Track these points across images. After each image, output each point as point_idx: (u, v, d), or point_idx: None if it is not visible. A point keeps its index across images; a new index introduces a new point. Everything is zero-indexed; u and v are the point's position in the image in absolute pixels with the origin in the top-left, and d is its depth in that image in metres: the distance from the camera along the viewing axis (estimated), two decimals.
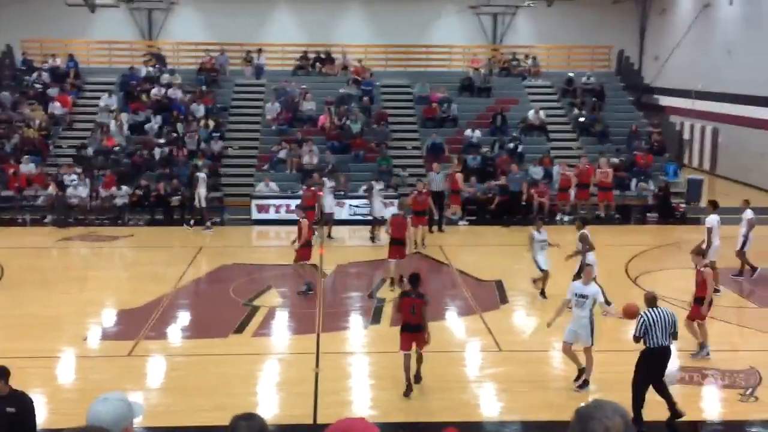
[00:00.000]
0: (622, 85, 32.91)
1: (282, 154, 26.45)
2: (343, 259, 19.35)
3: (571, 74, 31.93)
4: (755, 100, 29.44)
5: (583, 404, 3.09)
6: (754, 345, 13.40)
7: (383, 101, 30.48)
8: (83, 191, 23.88)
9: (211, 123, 27.97)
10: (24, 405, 7.94)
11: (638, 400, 10.13)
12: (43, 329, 14.04)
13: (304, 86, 30.19)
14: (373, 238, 21.09)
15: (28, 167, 25.23)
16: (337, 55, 33.18)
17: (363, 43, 35.16)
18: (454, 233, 22.49)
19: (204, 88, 30.28)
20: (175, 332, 14.30)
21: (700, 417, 10.87)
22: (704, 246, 14.86)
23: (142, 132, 27.73)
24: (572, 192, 24.47)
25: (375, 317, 14.93)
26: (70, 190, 23.86)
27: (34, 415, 8.04)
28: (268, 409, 10.93)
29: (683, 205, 25.02)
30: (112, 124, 27.56)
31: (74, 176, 24.35)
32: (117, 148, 26.54)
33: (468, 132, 28.02)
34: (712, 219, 16.55)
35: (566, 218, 23.97)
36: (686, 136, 33.75)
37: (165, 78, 30.57)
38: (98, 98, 29.50)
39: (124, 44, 35.30)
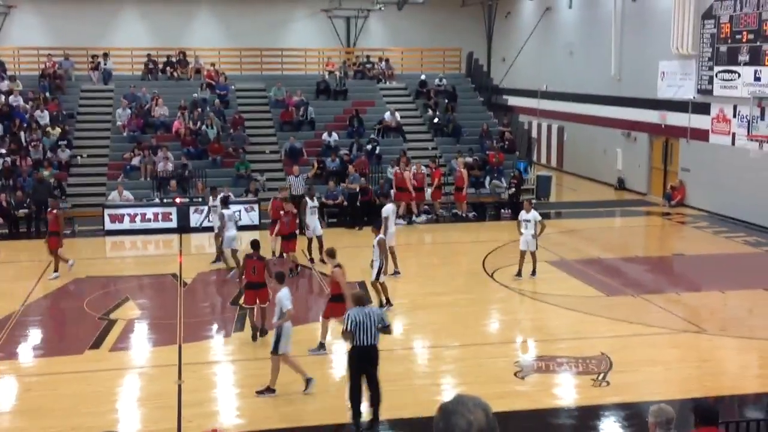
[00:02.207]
0: (473, 86, 33.96)
1: (135, 162, 25.64)
2: (205, 266, 18.96)
3: (423, 76, 32.64)
4: (596, 98, 31.12)
5: (445, 400, 3.17)
6: (603, 332, 14.13)
7: (239, 105, 30.12)
8: None
9: (57, 131, 26.74)
10: None
11: (355, 397, 10.48)
12: None
13: (155, 91, 29.40)
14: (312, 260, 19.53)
15: None
16: (189, 58, 32.49)
17: (215, 47, 34.61)
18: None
19: (47, 94, 28.90)
20: (26, 351, 13.60)
21: (558, 404, 11.35)
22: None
23: None
24: (429, 191, 25.07)
25: (238, 325, 14.72)
26: None
27: None
28: (129, 426, 10.59)
29: (534, 201, 26.08)
30: None
31: None
32: None
33: (325, 135, 28.11)
34: (388, 208, 18.54)
35: (423, 217, 24.56)
36: (534, 134, 35.22)
37: (4, 85, 28.98)
38: None
39: None
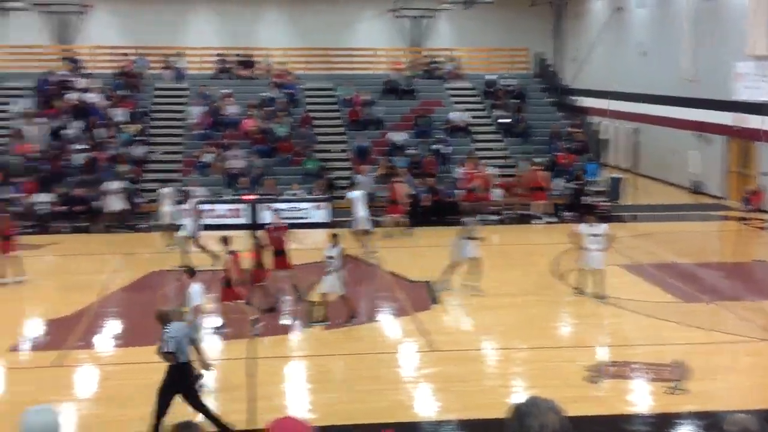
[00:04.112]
0: (542, 86, 33.62)
1: (207, 159, 26.12)
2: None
3: (491, 76, 32.44)
4: (669, 99, 30.47)
5: (519, 401, 3.16)
6: (678, 339, 13.83)
7: (307, 104, 30.40)
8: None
9: (133, 128, 27.42)
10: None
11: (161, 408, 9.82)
12: None
13: (226, 90, 29.88)
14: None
15: None
16: (258, 58, 32.96)
17: (284, 46, 35.02)
18: (380, 235, 22.53)
19: (122, 92, 29.63)
20: (104, 340, 13.98)
21: (631, 411, 11.16)
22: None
23: (60, 138, 26.98)
24: (497, 192, 24.92)
25: (308, 319, 14.86)
26: None
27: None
28: (201, 417, 10.78)
29: (606, 203, 25.67)
30: (28, 130, 26.73)
31: None
32: (34, 155, 25.74)
33: (392, 134, 28.17)
34: (353, 194, 20.29)
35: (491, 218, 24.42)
36: (605, 136, 34.69)
37: (81, 82, 29.81)
38: (13, 104, 28.57)
39: (38, 48, 34.29)
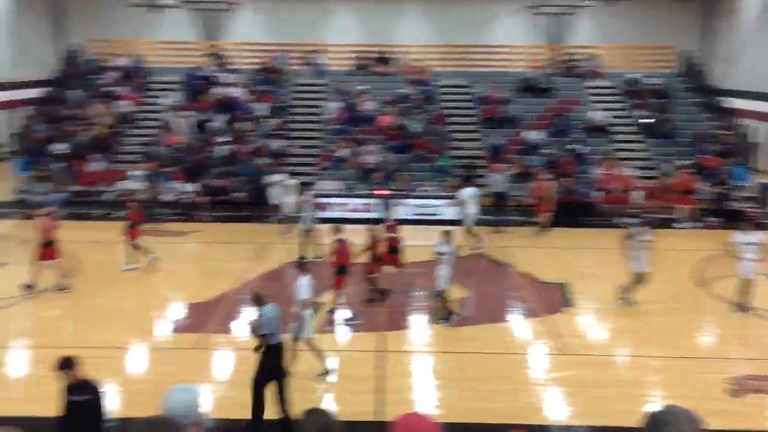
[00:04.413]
0: (686, 86, 32.26)
1: (342, 154, 26.57)
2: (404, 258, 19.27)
3: (635, 75, 31.40)
4: None
5: (656, 409, 3.01)
6: None
7: (442, 101, 30.39)
8: (149, 187, 24.34)
9: (273, 122, 28.27)
10: (94, 393, 8.09)
11: (258, 399, 10.05)
12: (112, 321, 14.32)
13: (362, 86, 30.29)
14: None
15: (96, 164, 25.83)
16: (396, 55, 33.24)
17: (422, 43, 35.15)
18: (516, 235, 22.26)
19: (264, 87, 30.59)
20: (240, 326, 14.44)
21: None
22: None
23: (206, 130, 28.13)
24: (636, 194, 24.09)
25: (440, 316, 14.85)
26: (135, 186, 24.34)
27: (103, 404, 8.19)
28: (332, 405, 10.96)
29: (755, 210, 24.35)
30: (177, 122, 28.02)
31: (140, 173, 24.86)
32: (181, 146, 26.97)
33: (528, 133, 27.76)
34: (465, 192, 20.40)
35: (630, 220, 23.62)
36: (756, 139, 32.86)
37: (226, 78, 30.97)
38: (163, 97, 30.02)
39: (187, 44, 35.89)
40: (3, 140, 34.89)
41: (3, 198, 25.96)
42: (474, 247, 20.19)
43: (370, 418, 10.47)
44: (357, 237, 16.76)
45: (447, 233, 14.66)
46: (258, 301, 10.47)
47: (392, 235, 16.27)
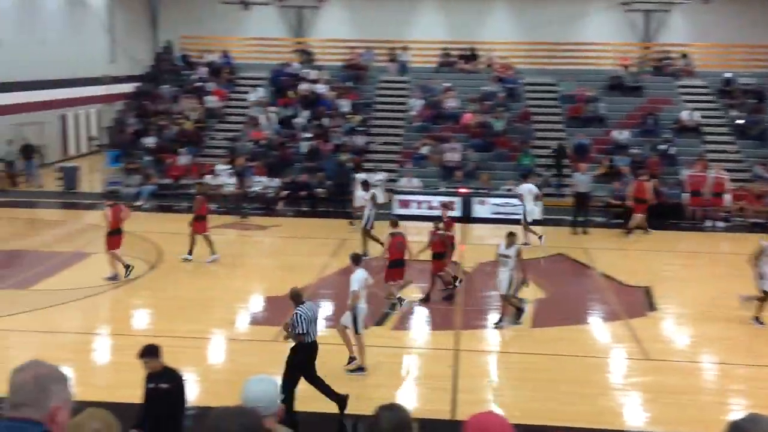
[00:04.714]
0: None
1: (424, 151, 26.55)
2: (484, 257, 19.15)
3: (729, 74, 30.37)
4: None
5: (737, 418, 2.88)
6: None
7: (527, 99, 30.03)
8: (233, 182, 24.84)
9: (356, 118, 28.46)
10: (177, 381, 8.29)
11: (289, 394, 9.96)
12: (195, 312, 14.65)
13: (447, 83, 30.18)
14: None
15: (184, 158, 26.52)
16: (481, 52, 33.02)
17: (508, 40, 34.81)
18: (599, 236, 21.83)
19: (349, 84, 30.81)
20: (318, 321, 14.56)
21: None
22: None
23: (290, 126, 28.53)
24: (727, 197, 23.32)
25: (515, 317, 14.68)
26: (222, 180, 24.89)
27: (184, 392, 8.38)
28: (405, 402, 10.95)
29: None
30: (262, 118, 28.50)
31: (225, 167, 25.39)
32: (265, 141, 27.41)
33: (616, 132, 27.18)
34: (524, 187, 20.50)
35: (719, 224, 22.91)
36: None
37: (312, 74, 31.32)
38: (250, 92, 30.58)
39: (274, 41, 36.46)
40: (96, 133, 36.19)
41: (95, 189, 26.91)
42: (532, 243, 20.09)
43: (445, 417, 10.43)
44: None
45: (511, 235, 14.46)
46: (296, 298, 10.59)
47: (447, 233, 16.12)
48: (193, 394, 10.31)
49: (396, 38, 34.25)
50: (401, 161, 26.57)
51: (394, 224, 15.51)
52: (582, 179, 22.32)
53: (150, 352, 8.22)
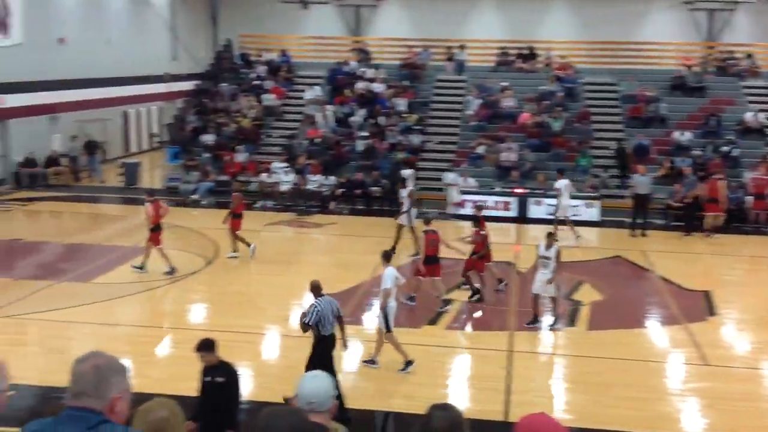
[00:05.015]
0: None
1: (480, 150, 26.40)
2: None
3: None
4: None
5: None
6: None
7: (586, 99, 29.63)
8: (290, 179, 25.07)
9: (413, 117, 28.44)
10: (232, 375, 8.39)
11: None
12: (249, 307, 14.83)
13: (504, 83, 29.97)
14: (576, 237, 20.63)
15: (241, 155, 26.84)
16: (540, 51, 32.70)
17: (567, 39, 34.40)
18: (658, 239, 21.44)
19: (406, 83, 30.81)
20: (371, 319, 14.61)
21: None
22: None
23: (346, 124, 28.64)
24: None
25: (570, 319, 14.52)
26: (277, 178, 25.14)
27: (238, 386, 8.48)
28: (457, 402, 10.91)
29: None
30: (319, 116, 28.67)
31: (282, 165, 25.64)
32: (321, 140, 27.57)
33: (677, 133, 26.65)
34: (561, 183, 20.64)
35: None
36: None
37: (369, 72, 31.40)
38: (307, 91, 30.77)
39: (332, 40, 36.64)
40: (157, 130, 36.87)
41: (155, 185, 27.40)
42: (572, 239, 20.28)
43: (498, 418, 10.35)
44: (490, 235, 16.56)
45: (550, 236, 14.27)
46: (315, 291, 10.67)
47: (481, 232, 15.96)
48: (247, 388, 10.41)
49: (453, 37, 34.10)
50: (457, 161, 26.46)
51: (428, 222, 15.59)
52: (642, 180, 21.95)
53: (206, 346, 8.34)
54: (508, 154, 25.83)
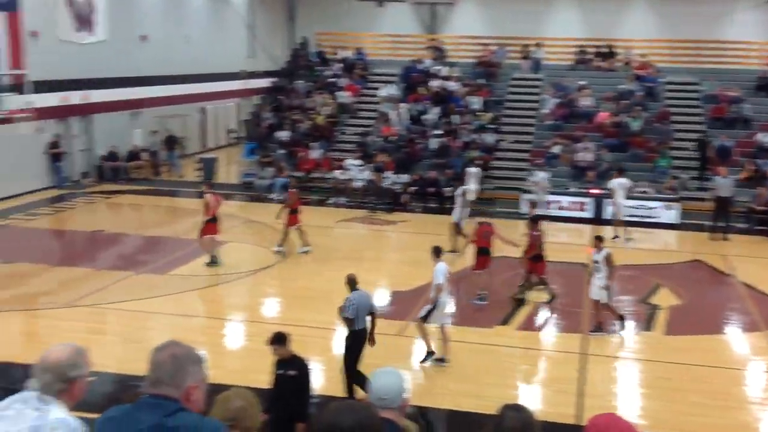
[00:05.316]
0: None
1: (556, 150, 26.04)
2: (615, 260, 18.58)
3: None
4: None
5: None
6: None
7: (666, 99, 28.92)
8: (363, 177, 25.17)
9: (487, 116, 28.23)
10: (304, 369, 8.47)
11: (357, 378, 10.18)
12: (321, 302, 14.93)
13: (582, 81, 29.49)
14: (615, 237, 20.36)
15: (316, 152, 27.08)
16: (619, 49, 32.07)
17: (647, 38, 33.64)
18: (740, 243, 20.78)
19: (481, 81, 30.61)
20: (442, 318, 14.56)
21: None
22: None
23: (420, 122, 28.61)
24: None
25: (647, 323, 14.20)
26: (351, 175, 25.28)
27: (310, 380, 8.55)
28: (528, 404, 10.78)
29: None
30: (393, 114, 28.72)
31: (356, 162, 25.76)
32: (395, 137, 27.60)
33: (761, 135, 25.78)
34: (615, 182, 20.70)
35: None
36: None
37: (444, 70, 31.30)
38: (382, 89, 30.87)
39: (407, 37, 36.65)
40: (234, 126, 37.50)
41: (231, 180, 27.89)
42: (624, 238, 20.17)
43: (570, 421, 10.19)
44: (561, 236, 16.33)
45: (599, 239, 13.89)
46: (351, 284, 10.81)
47: (534, 232, 15.65)
48: (318, 382, 10.49)
49: (530, 35, 33.73)
50: (531, 160, 26.15)
51: (483, 214, 15.54)
52: (723, 183, 21.33)
53: (279, 339, 8.44)
54: (584, 154, 25.40)
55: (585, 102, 28.45)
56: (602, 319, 13.62)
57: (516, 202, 23.59)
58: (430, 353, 11.90)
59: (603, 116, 27.32)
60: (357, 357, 10.45)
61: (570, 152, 25.72)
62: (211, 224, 17.11)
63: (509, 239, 15.79)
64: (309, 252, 18.43)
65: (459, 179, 23.59)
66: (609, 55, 32.06)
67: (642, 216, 22.28)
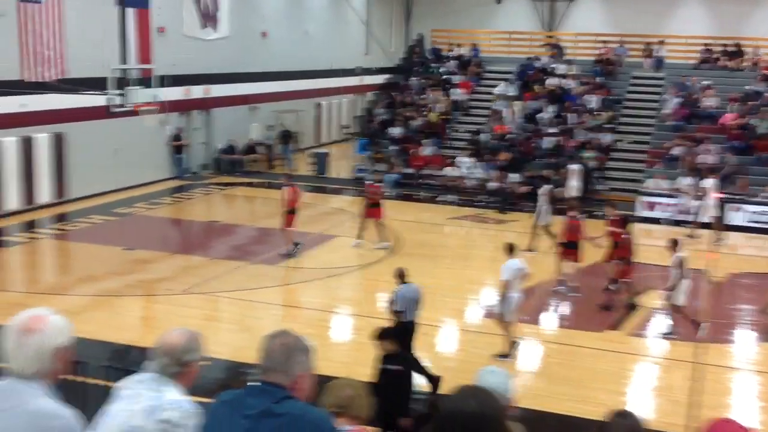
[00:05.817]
0: None
1: (676, 151, 25.17)
2: (736, 267, 17.89)
3: None
4: None
5: None
6: None
7: None
8: (476, 174, 25.06)
9: (605, 115, 27.58)
10: (407, 364, 8.52)
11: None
12: (427, 299, 14.87)
13: (706, 81, 28.39)
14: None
15: (427, 149, 27.14)
16: (747, 48, 30.70)
17: None
18: None
19: (599, 79, 29.92)
20: (550, 319, 14.37)
21: None
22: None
23: (534, 121, 28.22)
24: None
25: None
26: (461, 172, 25.21)
27: (413, 376, 8.59)
28: (637, 410, 10.49)
29: None
30: (506, 112, 28.44)
31: (467, 160, 25.66)
32: (509, 136, 27.33)
33: None
34: (707, 182, 20.27)
35: None
36: None
37: (561, 68, 30.76)
38: (496, 86, 30.62)
39: (524, 35, 36.21)
40: (347, 122, 38.00)
41: (343, 175, 28.29)
42: (716, 241, 19.57)
43: (679, 431, 9.86)
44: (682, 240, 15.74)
45: (674, 242, 13.26)
46: (400, 277, 10.87)
47: (614, 229, 15.06)
48: (422, 379, 10.52)
49: (652, 33, 32.74)
50: (650, 161, 25.37)
51: (572, 207, 15.74)
52: None
53: (385, 334, 8.52)
54: (707, 157, 24.45)
55: (709, 102, 27.39)
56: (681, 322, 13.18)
57: (631, 204, 22.94)
58: (505, 355, 11.80)
59: (728, 118, 26.22)
60: (409, 348, 10.47)
61: (691, 154, 24.81)
62: (290, 216, 17.44)
63: (593, 238, 15.50)
64: (388, 248, 18.43)
65: (544, 179, 23.20)
66: (736, 54, 30.74)
67: (766, 222, 21.27)
